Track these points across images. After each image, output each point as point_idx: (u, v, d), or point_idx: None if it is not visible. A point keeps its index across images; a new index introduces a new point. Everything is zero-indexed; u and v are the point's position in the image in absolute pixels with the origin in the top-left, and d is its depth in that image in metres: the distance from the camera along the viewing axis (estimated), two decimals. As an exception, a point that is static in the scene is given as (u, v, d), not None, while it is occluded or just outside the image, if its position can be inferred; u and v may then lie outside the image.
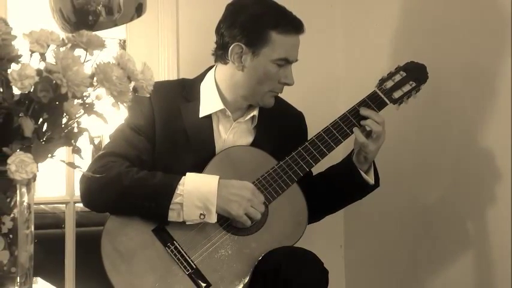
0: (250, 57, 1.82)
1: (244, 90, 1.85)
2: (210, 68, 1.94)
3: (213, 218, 1.70)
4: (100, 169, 1.70)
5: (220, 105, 1.87)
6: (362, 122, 1.83)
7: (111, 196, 1.73)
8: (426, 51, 2.19)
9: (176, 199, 1.69)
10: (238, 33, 1.81)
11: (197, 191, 1.70)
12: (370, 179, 1.87)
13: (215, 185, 1.71)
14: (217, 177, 1.73)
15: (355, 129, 1.83)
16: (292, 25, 1.82)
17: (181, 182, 1.70)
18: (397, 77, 1.92)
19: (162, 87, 1.90)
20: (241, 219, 1.73)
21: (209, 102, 1.88)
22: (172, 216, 1.70)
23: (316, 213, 1.90)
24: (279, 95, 1.91)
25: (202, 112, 1.87)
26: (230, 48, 1.82)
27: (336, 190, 1.91)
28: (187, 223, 1.71)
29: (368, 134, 1.82)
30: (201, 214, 1.70)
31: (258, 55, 1.81)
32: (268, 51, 1.80)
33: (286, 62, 1.83)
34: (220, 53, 1.87)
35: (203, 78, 1.93)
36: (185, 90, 1.91)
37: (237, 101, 1.88)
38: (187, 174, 1.73)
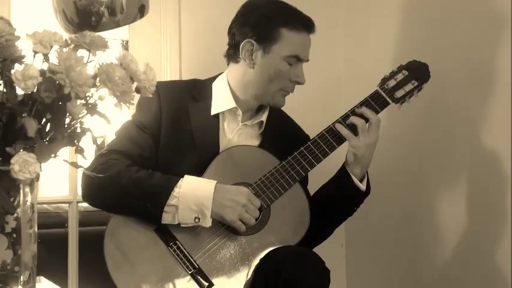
0: (261, 54, 1.83)
1: (256, 88, 1.86)
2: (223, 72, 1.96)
3: (207, 222, 1.70)
4: (101, 166, 1.71)
5: (232, 104, 1.88)
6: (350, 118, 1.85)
7: (109, 194, 1.73)
8: (428, 52, 2.19)
9: (172, 201, 1.69)
10: (249, 30, 1.83)
11: (193, 194, 1.69)
12: (362, 185, 1.85)
13: (211, 189, 1.70)
14: (215, 182, 1.72)
15: (337, 125, 1.84)
16: (303, 23, 1.84)
17: (178, 184, 1.70)
18: (399, 76, 1.93)
19: (172, 86, 1.93)
20: (235, 224, 1.72)
21: (221, 101, 1.89)
22: (167, 218, 1.70)
23: (315, 229, 1.87)
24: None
25: (214, 110, 1.88)
26: (241, 45, 1.84)
27: (329, 197, 1.89)
28: (182, 226, 1.72)
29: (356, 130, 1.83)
30: (195, 218, 1.69)
31: (269, 52, 1.82)
32: (279, 48, 1.82)
33: (297, 59, 1.84)
34: (232, 52, 1.89)
35: (215, 78, 1.95)
36: (196, 90, 1.92)
37: (248, 100, 1.89)
38: (185, 176, 1.73)
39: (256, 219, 1.77)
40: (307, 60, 1.89)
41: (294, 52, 1.83)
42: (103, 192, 1.74)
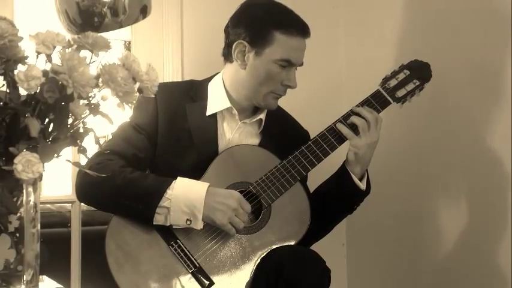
0: (253, 56, 1.83)
1: (247, 89, 1.87)
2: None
3: (199, 225, 1.71)
4: (96, 166, 1.72)
5: (227, 104, 1.88)
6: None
7: (102, 194, 1.74)
8: (429, 52, 2.20)
9: (164, 203, 1.70)
10: (242, 31, 1.83)
11: (185, 197, 1.70)
12: (362, 185, 1.86)
13: (203, 192, 1.71)
14: (207, 184, 1.73)
15: (339, 124, 1.85)
16: (297, 27, 1.83)
17: (170, 186, 1.71)
18: (401, 76, 1.93)
19: (169, 87, 1.93)
20: (225, 228, 1.73)
21: (216, 101, 1.90)
22: (159, 219, 1.71)
23: (314, 226, 1.87)
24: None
25: (209, 110, 1.89)
26: (234, 46, 1.84)
27: (329, 195, 1.90)
28: (173, 227, 1.73)
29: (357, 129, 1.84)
30: (187, 220, 1.70)
31: (261, 54, 1.82)
32: (271, 51, 1.81)
33: (288, 63, 1.83)
34: (226, 52, 1.89)
35: (211, 78, 1.95)
36: (192, 90, 1.93)
37: (241, 100, 1.90)
38: (178, 178, 1.73)
39: (253, 221, 1.78)
40: (301, 64, 1.88)
41: (286, 56, 1.81)
42: (96, 192, 1.75)
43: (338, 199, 1.89)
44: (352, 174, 1.85)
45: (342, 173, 1.87)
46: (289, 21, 1.83)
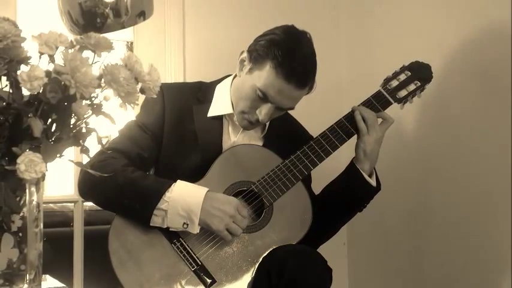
0: (246, 71, 1.83)
1: (233, 98, 1.88)
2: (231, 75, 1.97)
3: (195, 229, 1.71)
4: (98, 164, 1.72)
5: (229, 109, 1.89)
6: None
7: (103, 192, 1.75)
8: (430, 53, 2.20)
9: (162, 205, 1.70)
10: (253, 44, 1.83)
11: (183, 200, 1.70)
12: (372, 181, 1.87)
13: (201, 197, 1.71)
14: (206, 189, 1.73)
15: (356, 113, 1.86)
16: (290, 74, 1.75)
17: (169, 189, 1.71)
18: (402, 76, 1.95)
19: (178, 88, 1.95)
20: (222, 234, 1.73)
21: (220, 104, 1.90)
22: (157, 221, 1.71)
23: (324, 226, 1.89)
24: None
25: (211, 112, 1.90)
26: (241, 52, 1.85)
27: (340, 194, 1.90)
28: (170, 229, 1.73)
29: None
30: (184, 223, 1.70)
31: (251, 73, 1.81)
32: (257, 76, 1.79)
33: (265, 97, 1.79)
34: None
35: (221, 81, 1.96)
36: (200, 92, 1.94)
37: None
38: (178, 181, 1.73)
39: (255, 220, 1.78)
40: (289, 109, 1.85)
41: (264, 89, 1.77)
42: (97, 189, 1.77)
43: (348, 197, 1.90)
44: (362, 172, 1.86)
45: (352, 170, 1.88)
46: (287, 65, 1.75)
